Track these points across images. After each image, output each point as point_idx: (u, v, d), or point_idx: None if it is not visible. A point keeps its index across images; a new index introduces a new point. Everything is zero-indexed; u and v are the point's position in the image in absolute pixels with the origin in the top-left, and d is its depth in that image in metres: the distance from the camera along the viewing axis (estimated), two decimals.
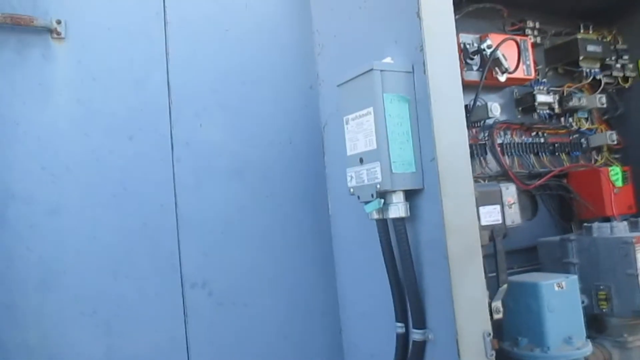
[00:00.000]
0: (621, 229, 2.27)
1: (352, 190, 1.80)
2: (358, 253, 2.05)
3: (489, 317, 1.70)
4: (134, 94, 1.93)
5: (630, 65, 2.73)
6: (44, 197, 1.78)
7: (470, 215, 1.69)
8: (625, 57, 2.73)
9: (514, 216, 2.34)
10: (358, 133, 1.74)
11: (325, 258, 2.16)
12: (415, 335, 1.73)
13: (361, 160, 1.73)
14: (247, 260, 2.04)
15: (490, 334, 1.67)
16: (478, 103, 2.28)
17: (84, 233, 1.82)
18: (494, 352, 1.67)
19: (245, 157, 2.07)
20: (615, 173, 2.50)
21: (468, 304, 1.65)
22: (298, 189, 2.16)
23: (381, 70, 1.67)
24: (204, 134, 2.01)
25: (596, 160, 2.70)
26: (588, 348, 2.02)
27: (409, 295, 1.74)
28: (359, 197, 1.77)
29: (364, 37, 1.95)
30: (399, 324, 1.80)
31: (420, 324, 1.72)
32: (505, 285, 1.87)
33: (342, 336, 2.16)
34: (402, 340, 1.81)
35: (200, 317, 1.94)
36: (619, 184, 2.49)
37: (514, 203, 2.35)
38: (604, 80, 2.67)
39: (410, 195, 1.72)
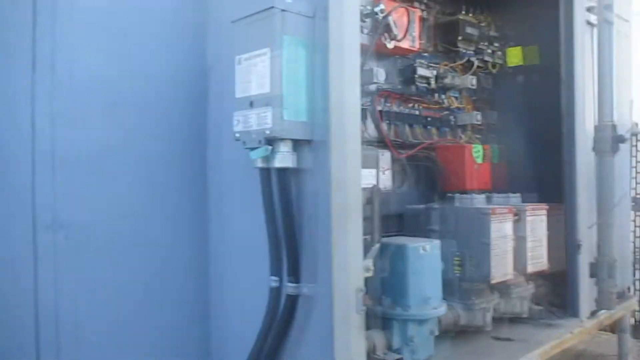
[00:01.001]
0: (480, 201, 2.41)
1: (237, 135, 1.68)
2: (235, 204, 1.93)
3: (363, 273, 1.69)
4: None
5: (500, 53, 2.89)
6: None
7: (356, 172, 1.65)
8: (496, 44, 2.89)
9: (386, 182, 2.40)
10: (251, 74, 1.61)
11: (199, 208, 2.01)
12: (289, 288, 1.67)
13: (251, 104, 1.62)
14: (114, 204, 1.82)
15: (362, 290, 1.67)
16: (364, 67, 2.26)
17: None
18: (364, 308, 1.68)
19: (124, 89, 1.84)
20: (477, 150, 2.64)
21: (345, 259, 1.62)
22: (177, 131, 1.99)
23: (282, 10, 1.56)
24: (76, 55, 1.74)
25: (461, 137, 2.84)
26: (443, 308, 2.12)
27: (287, 249, 1.67)
28: (244, 143, 1.65)
29: None
30: (274, 278, 1.74)
31: (296, 277, 1.67)
32: (377, 245, 1.88)
33: (210, 291, 2.03)
34: (276, 293, 1.74)
35: (54, 263, 1.70)
36: (479, 161, 2.64)
37: (387, 169, 2.40)
38: (477, 63, 2.80)
39: (297, 146, 1.64)
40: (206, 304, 2.03)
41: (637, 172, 6.02)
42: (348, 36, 1.63)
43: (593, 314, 2.87)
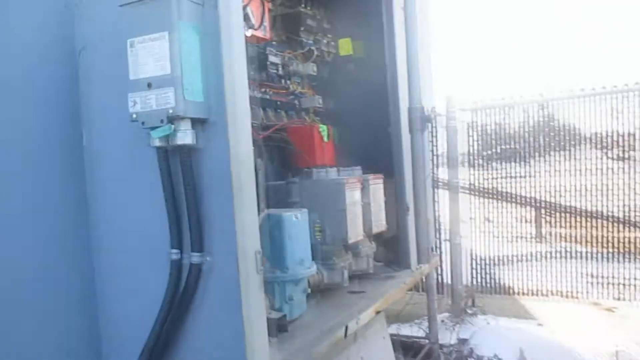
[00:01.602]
0: (334, 173, 2.77)
1: (135, 115, 1.75)
2: (121, 185, 1.97)
3: (259, 237, 1.90)
4: None
5: (333, 44, 3.28)
6: None
7: (248, 146, 1.84)
8: (330, 35, 3.27)
9: None
10: (147, 57, 1.70)
11: (78, 196, 2.00)
12: (194, 258, 1.81)
13: (149, 85, 1.70)
14: None
15: (260, 252, 1.88)
16: None
17: None
18: (262, 268, 1.89)
19: None
20: (323, 130, 2.99)
21: (245, 226, 1.81)
22: (51, 117, 1.95)
23: None
24: None
25: (305, 120, 3.17)
26: (314, 268, 2.43)
27: (190, 222, 1.79)
28: (143, 123, 1.74)
29: None
30: (174, 251, 1.85)
31: (199, 247, 1.81)
32: (263, 213, 2.11)
33: (95, 277, 2.04)
34: (177, 266, 1.85)
35: None
36: (326, 139, 2.99)
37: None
38: (316, 52, 3.14)
39: (194, 125, 1.78)
40: (90, 290, 2.04)
41: (434, 155, 7.09)
42: (236, 23, 1.81)
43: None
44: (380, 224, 2.96)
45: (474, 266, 7.49)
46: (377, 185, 2.94)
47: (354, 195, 2.70)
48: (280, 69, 2.95)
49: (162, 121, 1.69)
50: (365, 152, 3.22)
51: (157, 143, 1.76)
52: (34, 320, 1.88)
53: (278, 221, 2.27)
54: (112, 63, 1.83)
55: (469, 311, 7.05)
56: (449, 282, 7.41)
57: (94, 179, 2.03)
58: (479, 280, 7.57)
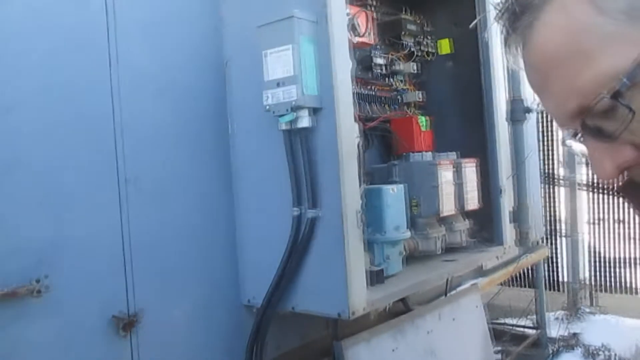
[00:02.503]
0: (428, 156, 3.32)
1: (268, 107, 2.45)
2: (256, 160, 2.70)
3: (360, 200, 2.52)
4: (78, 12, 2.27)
5: (433, 44, 3.82)
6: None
7: (352, 127, 2.48)
8: (429, 37, 3.81)
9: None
10: (277, 63, 2.40)
11: (225, 170, 2.77)
12: (310, 213, 2.47)
13: (278, 84, 2.40)
14: (168, 163, 2.54)
15: (360, 212, 2.49)
16: None
17: (36, 129, 2.13)
18: (362, 224, 2.50)
19: (166, 79, 2.56)
20: (422, 120, 3.54)
21: (349, 189, 2.44)
22: (206, 111, 2.72)
23: (298, 18, 2.35)
24: (132, 54, 2.44)
25: (407, 112, 3.73)
26: (409, 233, 3.00)
27: (307, 185, 2.46)
28: (274, 112, 2.43)
29: None
30: (295, 209, 2.53)
31: (314, 205, 2.46)
32: (364, 186, 2.72)
33: (236, 228, 2.80)
34: (297, 221, 2.53)
35: (132, 207, 2.39)
36: (424, 128, 3.54)
37: (358, 137, 3.24)
38: (417, 53, 3.70)
39: (311, 112, 2.44)
40: (233, 240, 2.79)
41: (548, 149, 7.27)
42: (341, 35, 2.46)
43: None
44: (473, 202, 3.45)
45: (592, 264, 7.54)
46: (470, 167, 3.43)
47: (446, 175, 3.23)
48: (384, 68, 3.55)
49: (287, 110, 2.38)
50: (462, 138, 3.72)
51: (284, 127, 2.45)
52: (195, 257, 2.65)
53: (378, 192, 2.87)
54: (251, 69, 2.55)
55: (587, 309, 7.12)
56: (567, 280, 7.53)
57: (237, 156, 2.78)
58: (602, 279, 7.60)
